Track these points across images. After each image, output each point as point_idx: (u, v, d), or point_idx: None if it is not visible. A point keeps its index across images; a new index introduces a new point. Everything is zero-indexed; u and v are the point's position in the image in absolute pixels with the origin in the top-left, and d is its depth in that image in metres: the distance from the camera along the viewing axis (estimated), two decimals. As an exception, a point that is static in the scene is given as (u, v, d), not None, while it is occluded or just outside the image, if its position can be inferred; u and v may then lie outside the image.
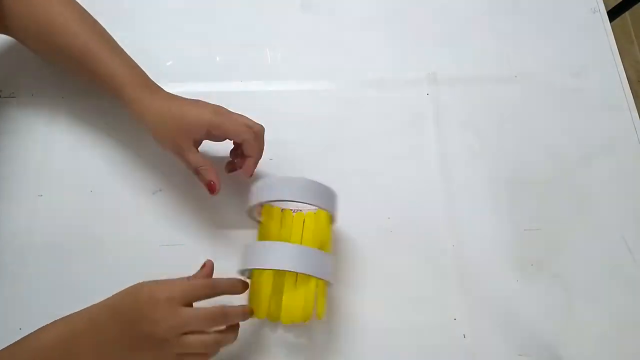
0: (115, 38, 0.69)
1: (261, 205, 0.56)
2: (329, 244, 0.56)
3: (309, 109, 0.68)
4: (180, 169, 0.61)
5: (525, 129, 0.68)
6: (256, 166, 0.58)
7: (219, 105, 0.56)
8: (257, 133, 0.56)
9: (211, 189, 0.56)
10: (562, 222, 0.63)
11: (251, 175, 0.58)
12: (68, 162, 0.62)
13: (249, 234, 0.59)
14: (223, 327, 0.49)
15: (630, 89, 0.70)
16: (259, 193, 0.54)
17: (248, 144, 0.56)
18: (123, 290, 0.47)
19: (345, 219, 0.62)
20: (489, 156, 0.66)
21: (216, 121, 0.54)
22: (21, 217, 0.60)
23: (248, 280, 0.52)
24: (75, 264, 0.58)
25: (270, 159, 0.63)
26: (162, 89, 0.58)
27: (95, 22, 0.60)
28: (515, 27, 0.74)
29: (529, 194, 0.64)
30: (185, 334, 0.45)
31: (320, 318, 0.53)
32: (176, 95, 0.57)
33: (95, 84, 0.58)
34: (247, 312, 0.50)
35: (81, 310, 0.48)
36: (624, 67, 0.72)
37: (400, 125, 0.67)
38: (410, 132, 0.67)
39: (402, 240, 0.61)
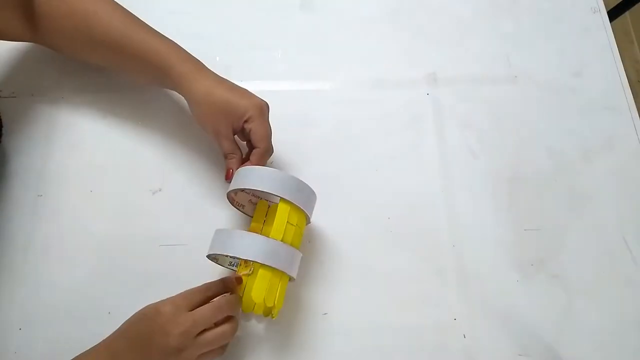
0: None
1: (235, 193, 0.55)
2: (299, 240, 0.55)
3: (309, 109, 0.68)
4: (180, 169, 0.61)
5: (525, 129, 0.68)
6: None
7: (265, 102, 0.57)
8: (267, 150, 0.57)
9: (227, 176, 0.56)
10: (562, 222, 0.63)
11: None
12: (68, 162, 0.62)
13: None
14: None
15: (630, 88, 0.70)
16: (236, 181, 0.54)
17: (256, 153, 0.56)
18: (132, 316, 0.48)
19: (345, 219, 0.62)
20: (489, 156, 0.66)
21: (256, 115, 0.55)
22: (21, 217, 0.60)
23: (244, 275, 0.52)
24: (76, 264, 0.58)
25: (271, 162, 0.63)
26: (210, 70, 0.58)
27: (127, 10, 0.60)
28: (516, 27, 0.74)
29: (528, 193, 0.64)
30: (199, 334, 0.46)
31: (276, 310, 0.52)
32: (224, 79, 0.57)
33: (138, 70, 0.58)
34: (237, 292, 0.52)
35: (98, 344, 0.48)
36: (623, 67, 0.72)
37: (400, 125, 0.67)
38: (410, 132, 0.67)
39: (402, 240, 0.61)
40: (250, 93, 0.57)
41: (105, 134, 0.64)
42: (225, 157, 0.57)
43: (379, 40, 0.73)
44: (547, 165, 0.66)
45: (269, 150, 0.57)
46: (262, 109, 0.56)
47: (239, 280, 0.51)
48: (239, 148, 0.57)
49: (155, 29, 0.70)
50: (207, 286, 0.50)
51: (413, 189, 0.64)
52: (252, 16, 0.73)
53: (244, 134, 0.57)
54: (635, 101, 0.70)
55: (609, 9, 0.77)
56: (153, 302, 0.48)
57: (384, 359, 0.56)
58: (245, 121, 0.55)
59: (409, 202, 0.63)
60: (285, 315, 0.57)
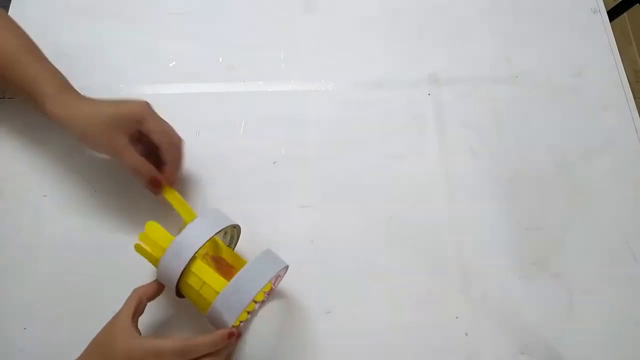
0: (117, 39, 0.70)
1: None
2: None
3: (311, 110, 0.68)
4: (183, 169, 0.62)
5: (525, 129, 0.68)
6: (176, 173, 0.57)
7: (149, 104, 0.55)
8: (176, 142, 0.56)
9: (155, 184, 0.54)
10: (563, 221, 0.63)
11: (174, 182, 0.57)
12: (72, 163, 0.62)
13: (250, 234, 0.59)
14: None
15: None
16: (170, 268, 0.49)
17: (166, 148, 0.55)
18: (94, 347, 0.47)
19: (347, 219, 0.62)
20: (490, 156, 0.66)
21: (148, 113, 0.54)
22: (26, 217, 0.60)
23: (234, 329, 0.47)
24: (80, 264, 0.58)
25: (274, 162, 0.64)
26: (83, 96, 0.56)
27: (12, 24, 0.58)
28: (516, 27, 0.75)
29: (529, 193, 0.65)
30: None
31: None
32: (100, 99, 0.56)
33: (20, 96, 0.57)
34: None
35: None
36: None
37: (401, 126, 0.68)
38: (411, 132, 0.67)
39: (403, 239, 0.61)
40: (126, 99, 0.55)
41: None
42: (136, 171, 0.54)
43: (380, 40, 0.73)
44: (547, 164, 0.66)
45: (177, 142, 0.56)
46: (149, 106, 0.54)
47: (231, 336, 0.46)
48: (143, 158, 0.55)
49: (156, 30, 0.71)
50: (182, 350, 0.44)
51: (414, 189, 0.64)
52: (255, 17, 0.73)
53: (140, 140, 0.55)
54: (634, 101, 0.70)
55: (607, 10, 0.77)
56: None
57: (386, 357, 0.57)
58: (138, 122, 0.53)
59: (410, 201, 0.64)
60: (289, 313, 0.57)
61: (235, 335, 0.46)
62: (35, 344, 0.54)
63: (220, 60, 0.70)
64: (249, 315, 0.56)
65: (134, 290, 0.49)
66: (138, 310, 0.48)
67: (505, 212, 0.63)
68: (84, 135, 0.54)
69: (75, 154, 0.63)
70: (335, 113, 0.68)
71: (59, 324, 0.55)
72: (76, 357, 0.46)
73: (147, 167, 0.54)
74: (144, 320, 0.51)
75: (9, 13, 0.70)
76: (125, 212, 0.61)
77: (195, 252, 0.48)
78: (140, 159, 0.54)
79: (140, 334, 0.46)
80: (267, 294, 0.57)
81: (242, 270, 0.47)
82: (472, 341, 0.57)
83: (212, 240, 0.51)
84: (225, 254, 0.55)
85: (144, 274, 0.56)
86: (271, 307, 0.58)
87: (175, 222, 0.55)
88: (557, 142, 0.68)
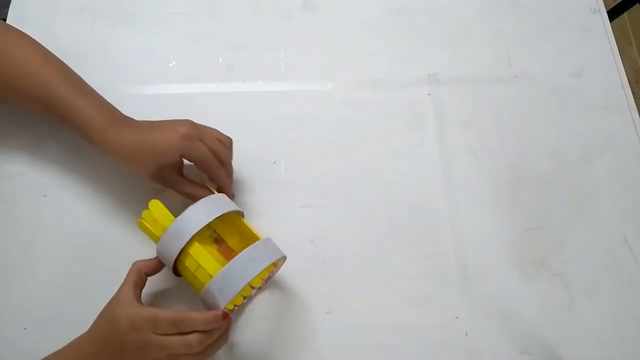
0: (117, 39, 0.70)
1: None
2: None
3: (312, 109, 0.68)
4: (185, 169, 0.62)
5: (525, 129, 0.68)
6: (230, 183, 0.57)
7: (189, 125, 0.54)
8: (224, 161, 0.56)
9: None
10: (563, 221, 0.63)
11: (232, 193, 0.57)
12: (72, 162, 0.62)
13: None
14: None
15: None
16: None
17: (211, 174, 0.55)
18: (99, 319, 0.49)
19: (347, 219, 0.62)
20: (490, 156, 0.66)
21: (184, 145, 0.53)
22: (26, 216, 0.60)
23: (230, 313, 0.48)
24: (80, 264, 0.58)
25: (274, 162, 0.64)
26: (129, 118, 0.56)
27: (55, 58, 0.58)
28: (516, 27, 0.75)
29: (529, 193, 0.65)
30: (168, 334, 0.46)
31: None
32: (144, 122, 0.56)
33: (69, 130, 0.56)
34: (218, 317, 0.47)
35: (65, 347, 0.49)
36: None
37: (401, 126, 0.68)
38: (412, 132, 0.67)
39: (403, 239, 0.62)
40: (172, 123, 0.54)
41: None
42: (190, 198, 0.55)
43: (380, 40, 0.73)
44: (547, 164, 0.66)
45: (224, 160, 0.55)
46: (187, 134, 0.53)
47: (225, 317, 0.47)
48: (198, 184, 0.56)
49: (156, 30, 0.71)
50: (175, 321, 0.46)
51: (414, 189, 0.64)
52: (254, 17, 0.73)
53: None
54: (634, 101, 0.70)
55: (607, 10, 0.77)
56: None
57: (386, 357, 0.57)
58: (178, 155, 0.53)
59: (410, 201, 0.64)
60: (288, 313, 0.57)
61: (228, 318, 0.47)
62: (35, 344, 0.54)
63: (220, 60, 0.70)
64: (245, 300, 0.56)
65: (134, 264, 0.51)
66: (138, 283, 0.50)
67: (505, 212, 0.64)
68: (134, 169, 0.55)
69: (75, 154, 0.63)
70: (335, 113, 0.68)
71: (59, 324, 0.55)
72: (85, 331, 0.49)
73: (198, 193, 0.55)
74: (145, 293, 0.52)
75: (9, 13, 0.70)
76: (125, 212, 0.61)
77: (193, 235, 0.49)
78: (190, 186, 0.56)
79: (142, 304, 0.48)
80: (265, 281, 0.57)
81: (237, 256, 0.48)
82: (472, 341, 0.57)
83: (222, 220, 0.52)
84: (230, 237, 0.54)
85: (144, 274, 0.56)
86: (271, 306, 0.58)
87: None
88: (557, 142, 0.68)
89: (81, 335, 0.49)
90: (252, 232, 0.54)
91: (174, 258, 0.50)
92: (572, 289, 0.60)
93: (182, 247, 0.49)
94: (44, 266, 0.58)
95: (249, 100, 0.68)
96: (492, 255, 0.61)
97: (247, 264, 0.48)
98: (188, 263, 0.50)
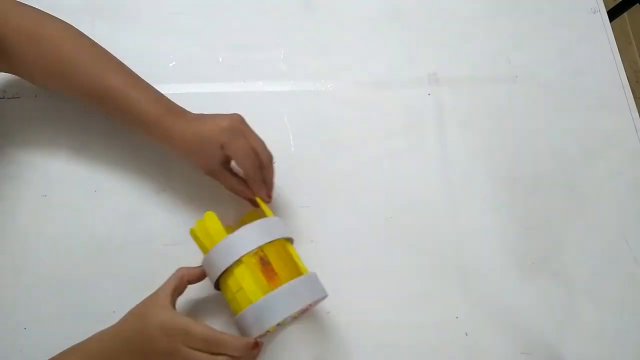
0: (117, 39, 0.70)
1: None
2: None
3: (311, 109, 0.68)
4: (184, 169, 0.62)
5: (525, 129, 0.68)
6: (271, 190, 0.57)
7: (235, 119, 0.54)
8: (264, 162, 0.55)
9: (252, 203, 0.57)
10: (563, 221, 0.63)
11: (270, 198, 0.56)
12: (72, 162, 0.62)
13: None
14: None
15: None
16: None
17: (249, 178, 0.55)
18: (130, 316, 0.49)
19: (347, 219, 0.62)
20: (490, 155, 0.66)
21: (227, 141, 0.53)
22: (26, 217, 0.60)
23: (259, 341, 0.48)
24: (80, 264, 0.58)
25: (274, 162, 0.64)
26: (185, 111, 0.57)
27: (108, 54, 0.58)
28: (516, 27, 0.75)
29: (529, 193, 0.65)
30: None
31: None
32: (195, 115, 0.56)
33: (120, 121, 0.58)
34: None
35: (91, 337, 0.48)
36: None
37: (401, 125, 0.68)
38: (412, 132, 0.67)
39: (404, 239, 0.62)
40: (222, 116, 0.54)
41: (109, 133, 0.64)
42: (233, 191, 0.57)
43: (381, 40, 0.73)
44: (547, 164, 0.66)
45: (264, 162, 0.55)
46: (232, 128, 0.53)
47: (255, 345, 0.47)
48: (240, 177, 0.56)
49: (156, 30, 0.71)
50: (207, 339, 0.46)
51: (414, 189, 0.64)
52: (255, 16, 0.73)
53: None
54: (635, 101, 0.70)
55: (607, 10, 0.77)
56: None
57: (386, 357, 0.57)
58: (221, 147, 0.53)
59: (410, 201, 0.64)
60: (289, 314, 0.57)
61: (258, 348, 0.48)
62: (35, 344, 0.54)
63: (220, 60, 0.70)
64: (277, 327, 0.55)
65: (178, 270, 0.51)
66: (178, 289, 0.50)
67: (505, 212, 0.64)
68: (185, 158, 0.56)
69: (75, 154, 0.63)
70: (335, 113, 0.68)
71: (59, 324, 0.55)
72: (113, 324, 0.49)
73: (241, 189, 0.56)
74: (183, 299, 0.52)
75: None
76: (125, 212, 0.61)
77: (242, 257, 0.49)
78: (234, 181, 0.56)
79: (176, 311, 0.48)
80: (301, 312, 0.55)
81: (280, 287, 0.48)
82: (472, 341, 0.57)
83: (271, 243, 0.51)
84: (276, 260, 0.53)
85: (145, 274, 0.56)
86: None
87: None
88: (557, 142, 0.68)
89: (108, 328, 0.49)
90: (298, 261, 0.53)
91: (218, 275, 0.50)
92: (572, 289, 0.60)
93: (227, 266, 0.49)
94: (44, 266, 0.58)
95: (249, 100, 0.68)
96: (492, 255, 0.61)
97: (288, 298, 0.48)
98: (230, 282, 0.49)
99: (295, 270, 0.51)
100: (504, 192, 0.65)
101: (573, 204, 0.64)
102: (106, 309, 0.54)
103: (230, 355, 0.46)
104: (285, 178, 0.63)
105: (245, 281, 0.49)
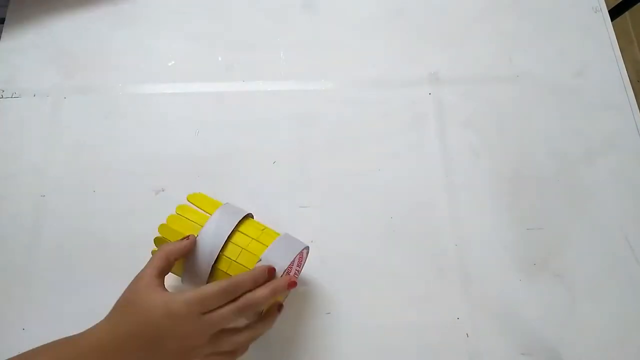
0: (117, 39, 0.70)
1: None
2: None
3: (311, 109, 0.68)
4: (184, 169, 0.61)
5: (526, 129, 0.68)
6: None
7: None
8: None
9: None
10: (565, 221, 0.63)
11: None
12: (71, 162, 0.62)
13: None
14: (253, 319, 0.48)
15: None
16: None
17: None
18: (122, 309, 0.45)
19: (347, 219, 0.62)
20: (491, 156, 0.66)
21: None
22: (24, 217, 0.60)
23: (272, 267, 0.48)
24: (79, 264, 0.58)
25: (274, 162, 0.64)
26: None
27: None
28: (517, 26, 0.75)
29: (531, 193, 0.64)
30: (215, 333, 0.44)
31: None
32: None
33: None
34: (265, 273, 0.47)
35: (79, 340, 0.44)
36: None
37: (402, 125, 0.68)
38: (412, 132, 0.67)
39: (404, 240, 0.61)
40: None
41: (107, 134, 0.64)
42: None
43: (381, 40, 0.73)
44: (549, 164, 0.66)
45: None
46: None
47: (271, 271, 0.47)
48: None
49: (156, 30, 0.71)
50: (225, 289, 0.44)
51: (415, 189, 0.64)
52: (254, 16, 0.73)
53: None
54: (636, 101, 0.70)
55: (608, 9, 0.77)
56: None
57: (386, 357, 0.56)
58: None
59: (411, 201, 0.63)
60: (289, 314, 0.57)
61: (274, 273, 0.47)
62: (35, 344, 0.54)
63: (220, 60, 0.70)
64: (284, 298, 0.56)
65: (161, 248, 0.48)
66: (164, 270, 0.47)
67: (506, 212, 0.63)
68: None
69: (75, 154, 0.63)
70: (335, 113, 0.68)
71: (58, 324, 0.55)
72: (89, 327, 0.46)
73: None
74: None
75: (8, 13, 0.70)
76: (124, 212, 0.61)
77: (234, 228, 0.50)
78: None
79: (169, 290, 0.45)
80: (297, 273, 0.54)
81: (274, 242, 0.50)
82: (473, 342, 0.57)
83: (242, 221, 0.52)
84: (252, 232, 0.53)
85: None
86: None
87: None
88: (559, 142, 0.67)
89: (96, 330, 0.44)
90: (268, 229, 0.53)
91: (227, 236, 0.50)
92: (574, 290, 0.60)
93: (233, 227, 0.50)
94: (44, 266, 0.58)
95: (249, 100, 0.68)
96: (493, 256, 0.61)
97: (285, 247, 0.51)
98: (238, 241, 0.50)
99: (270, 234, 0.52)
100: (505, 191, 0.64)
101: (574, 204, 0.64)
102: (106, 309, 0.54)
103: (250, 291, 0.45)
104: (285, 178, 0.64)
105: (246, 243, 0.50)
